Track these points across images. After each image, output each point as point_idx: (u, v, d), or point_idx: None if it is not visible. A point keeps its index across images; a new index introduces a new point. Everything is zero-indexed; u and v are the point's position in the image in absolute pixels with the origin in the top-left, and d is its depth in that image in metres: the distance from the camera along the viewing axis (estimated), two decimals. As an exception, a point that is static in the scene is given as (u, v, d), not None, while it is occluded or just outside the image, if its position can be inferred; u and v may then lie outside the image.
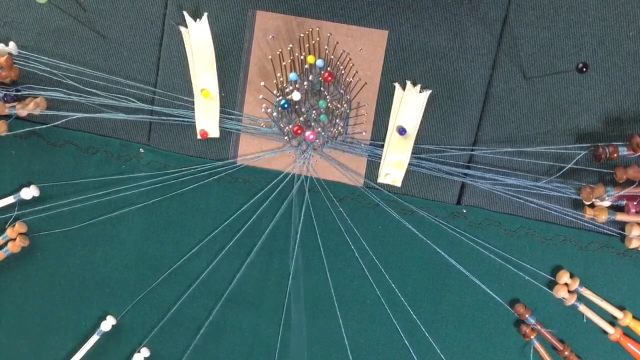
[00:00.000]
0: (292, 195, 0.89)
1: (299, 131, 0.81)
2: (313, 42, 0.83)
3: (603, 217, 0.79)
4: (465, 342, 0.89)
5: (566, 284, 0.84)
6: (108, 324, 0.95)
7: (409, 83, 0.84)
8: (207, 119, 0.88)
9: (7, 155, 0.94)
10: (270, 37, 0.87)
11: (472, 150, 0.85)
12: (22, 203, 0.93)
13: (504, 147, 0.84)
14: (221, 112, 0.88)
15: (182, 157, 0.90)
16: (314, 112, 0.84)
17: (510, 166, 0.84)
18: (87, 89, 0.90)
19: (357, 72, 0.85)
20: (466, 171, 0.85)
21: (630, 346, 0.85)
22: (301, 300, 0.90)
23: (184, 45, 0.88)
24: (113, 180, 0.92)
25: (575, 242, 0.84)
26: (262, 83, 0.85)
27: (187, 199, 0.91)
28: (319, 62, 0.78)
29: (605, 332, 0.85)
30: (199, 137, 0.89)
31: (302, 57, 0.82)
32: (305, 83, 0.80)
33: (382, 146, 0.86)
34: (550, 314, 0.86)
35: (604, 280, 0.84)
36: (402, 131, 0.84)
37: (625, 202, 0.81)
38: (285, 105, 0.80)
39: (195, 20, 0.86)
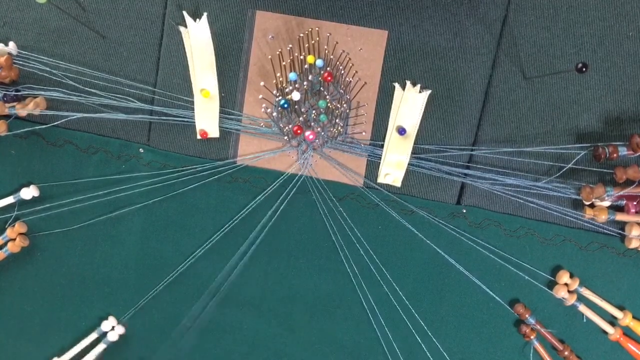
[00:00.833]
0: (292, 196, 0.89)
1: (298, 131, 0.81)
2: (313, 42, 0.83)
3: (603, 217, 0.79)
4: (465, 342, 0.89)
5: (566, 284, 0.84)
6: (109, 324, 0.95)
7: (408, 83, 0.84)
8: (206, 119, 0.88)
9: (7, 155, 0.94)
10: (270, 37, 0.86)
11: (472, 150, 0.85)
12: (22, 203, 0.93)
13: (504, 147, 0.84)
14: (221, 112, 0.88)
15: (181, 157, 0.90)
16: (313, 112, 0.84)
17: (510, 166, 0.84)
18: (86, 89, 0.90)
19: (356, 72, 0.85)
20: (466, 171, 0.85)
21: (630, 346, 0.85)
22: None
23: (183, 45, 0.87)
24: (113, 180, 0.92)
25: (575, 242, 0.84)
26: (262, 83, 0.85)
27: (187, 198, 0.91)
28: (319, 62, 0.78)
29: (605, 332, 0.85)
30: (198, 137, 0.89)
31: (301, 57, 0.82)
32: (305, 83, 0.80)
33: (382, 146, 0.86)
34: (550, 314, 0.86)
35: (604, 280, 0.84)
36: (401, 131, 0.84)
37: (625, 202, 0.81)
38: (285, 105, 0.80)
39: (195, 20, 0.86)
